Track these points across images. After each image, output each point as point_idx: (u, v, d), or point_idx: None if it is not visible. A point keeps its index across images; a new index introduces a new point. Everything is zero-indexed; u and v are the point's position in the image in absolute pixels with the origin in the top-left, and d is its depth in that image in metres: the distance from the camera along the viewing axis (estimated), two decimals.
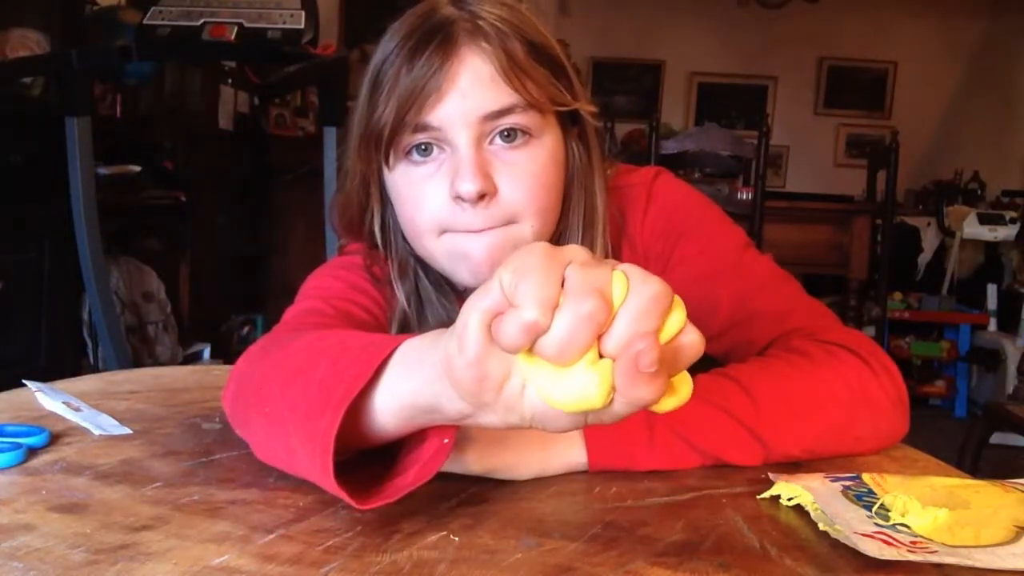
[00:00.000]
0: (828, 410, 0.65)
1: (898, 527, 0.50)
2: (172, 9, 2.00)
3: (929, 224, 4.63)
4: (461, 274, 0.74)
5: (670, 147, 2.74)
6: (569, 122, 0.76)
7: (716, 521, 0.52)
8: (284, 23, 1.96)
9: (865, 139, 5.85)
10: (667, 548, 0.48)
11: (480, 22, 0.69)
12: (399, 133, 0.69)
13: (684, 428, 0.61)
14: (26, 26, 2.46)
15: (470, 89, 0.68)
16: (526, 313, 0.36)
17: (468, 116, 0.68)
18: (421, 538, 0.48)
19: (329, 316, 0.74)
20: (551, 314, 0.36)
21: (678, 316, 0.38)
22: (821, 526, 0.51)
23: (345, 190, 0.79)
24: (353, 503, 0.46)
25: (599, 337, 0.37)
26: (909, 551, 0.46)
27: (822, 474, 0.59)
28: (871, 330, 3.33)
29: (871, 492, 0.55)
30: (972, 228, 4.24)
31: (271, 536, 0.48)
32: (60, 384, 0.82)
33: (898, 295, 4.31)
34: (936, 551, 0.46)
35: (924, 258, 4.64)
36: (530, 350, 0.37)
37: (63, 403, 0.73)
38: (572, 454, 0.60)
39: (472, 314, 0.38)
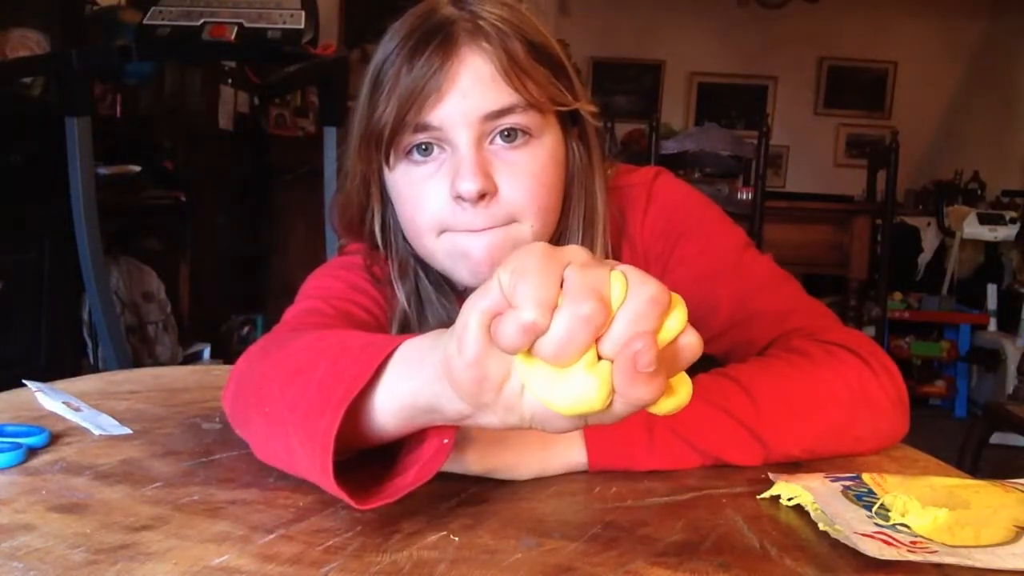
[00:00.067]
0: (828, 410, 0.65)
1: (898, 527, 0.50)
2: (172, 9, 2.00)
3: (929, 224, 4.63)
4: (461, 274, 0.74)
5: (670, 147, 2.74)
6: (569, 122, 0.76)
7: (716, 521, 0.52)
8: (284, 23, 1.96)
9: (865, 139, 5.85)
10: (667, 548, 0.48)
11: (480, 22, 0.69)
12: (399, 133, 0.69)
13: (684, 428, 0.61)
14: (26, 26, 2.46)
15: (470, 89, 0.68)
16: (525, 314, 0.36)
17: (468, 116, 0.68)
18: (421, 538, 0.48)
19: (329, 316, 0.74)
20: (550, 315, 0.36)
21: (679, 318, 0.38)
22: (821, 526, 0.51)
23: (345, 190, 0.79)
24: (353, 503, 0.46)
25: (597, 340, 0.37)
26: (909, 551, 0.46)
27: (822, 474, 0.59)
28: (871, 330, 3.33)
29: (871, 492, 0.55)
30: (972, 228, 4.24)
31: (271, 536, 0.48)
32: (60, 384, 0.82)
33: (898, 295, 4.31)
34: (936, 551, 0.46)
35: (924, 258, 4.64)
36: (529, 351, 0.37)
37: (63, 403, 0.73)
38: (572, 454, 0.60)
39: (471, 314, 0.38)
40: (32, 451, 0.61)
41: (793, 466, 0.63)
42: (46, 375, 0.85)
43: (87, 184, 2.04)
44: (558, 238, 0.77)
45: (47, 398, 0.74)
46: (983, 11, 5.69)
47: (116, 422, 0.70)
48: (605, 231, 0.78)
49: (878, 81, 5.88)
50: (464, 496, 0.55)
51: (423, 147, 0.70)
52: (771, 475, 0.59)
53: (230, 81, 3.49)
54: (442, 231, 0.71)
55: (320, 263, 0.85)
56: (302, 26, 1.96)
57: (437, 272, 0.78)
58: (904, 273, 4.47)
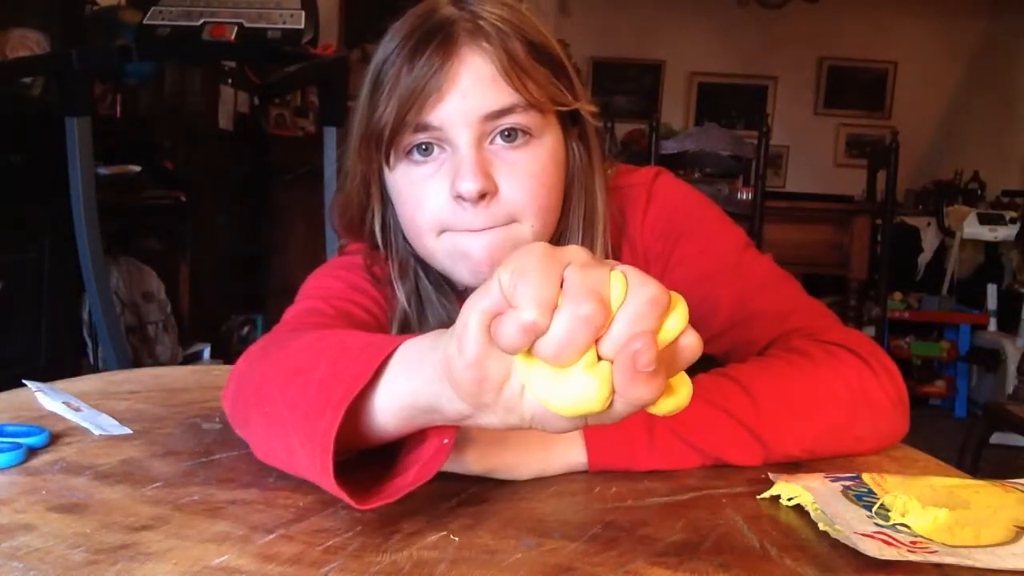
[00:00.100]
0: (828, 410, 0.65)
1: (898, 527, 0.50)
2: (172, 9, 2.00)
3: (929, 224, 4.63)
4: (461, 274, 0.74)
5: (670, 147, 2.74)
6: (569, 122, 0.76)
7: (716, 521, 0.52)
8: (284, 23, 1.96)
9: (865, 139, 5.85)
10: (667, 548, 0.48)
11: (481, 22, 0.69)
12: (400, 133, 0.69)
13: (684, 428, 0.61)
14: (26, 26, 2.46)
15: (471, 89, 0.68)
16: (525, 314, 0.36)
17: (469, 116, 0.68)
18: (421, 538, 0.48)
19: (329, 316, 0.74)
20: (550, 315, 0.36)
21: (679, 318, 0.38)
22: (821, 526, 0.51)
23: (345, 190, 0.79)
24: (353, 503, 0.46)
25: (597, 340, 0.37)
26: (909, 551, 0.46)
27: (822, 474, 0.59)
28: (871, 330, 3.33)
29: (871, 492, 0.55)
30: (972, 228, 4.24)
31: (271, 536, 0.48)
32: (60, 384, 0.82)
33: (898, 295, 4.31)
34: (936, 551, 0.46)
35: (924, 258, 4.64)
36: (529, 352, 0.37)
37: (63, 403, 0.73)
38: (572, 454, 0.60)
39: (472, 314, 0.38)
40: (32, 451, 0.61)
41: (793, 466, 0.63)
42: (46, 375, 0.85)
43: (87, 184, 2.04)
44: (558, 238, 0.77)
45: (47, 398, 0.74)
46: (983, 11, 5.69)
47: (116, 422, 0.70)
48: (605, 231, 0.78)
49: (878, 81, 5.88)
50: (464, 496, 0.55)
51: (423, 147, 0.70)
52: (771, 475, 0.59)
53: (230, 81, 3.49)
54: (442, 231, 0.71)
55: (320, 263, 0.85)
56: (302, 26, 1.96)
57: (437, 272, 0.78)
58: (904, 273, 4.47)
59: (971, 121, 5.63)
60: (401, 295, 0.79)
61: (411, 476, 0.48)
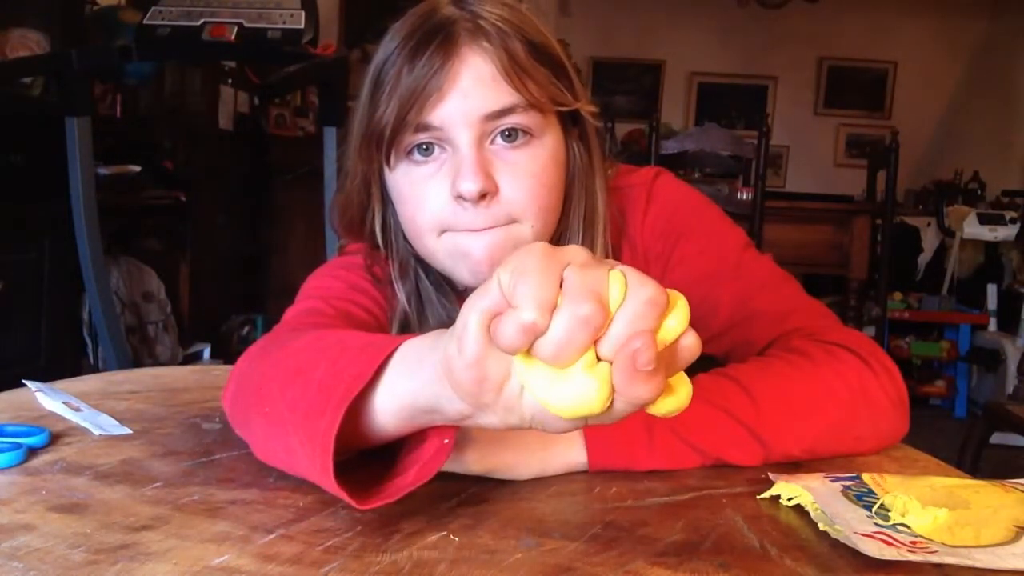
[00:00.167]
0: (828, 410, 0.65)
1: (898, 527, 0.50)
2: (172, 9, 2.00)
3: (929, 224, 4.63)
4: (461, 273, 0.74)
5: (670, 147, 2.74)
6: (570, 122, 0.76)
7: (716, 521, 0.52)
8: (284, 23, 1.96)
9: (865, 139, 5.85)
10: (667, 548, 0.48)
11: (481, 22, 0.69)
12: (400, 133, 0.69)
13: (684, 428, 0.61)
14: (26, 26, 2.46)
15: (471, 89, 0.68)
16: (524, 314, 0.36)
17: (469, 116, 0.68)
18: (421, 538, 0.48)
19: (329, 316, 0.74)
20: (549, 315, 0.36)
21: (680, 318, 0.38)
22: (821, 526, 0.51)
23: (345, 190, 0.79)
24: (353, 503, 0.46)
25: (596, 341, 0.37)
26: (909, 551, 0.46)
27: (822, 474, 0.59)
28: (871, 330, 3.33)
29: (871, 492, 0.55)
30: (972, 228, 4.23)
31: (271, 536, 0.48)
32: (60, 384, 0.82)
33: (898, 295, 4.31)
34: (936, 551, 0.46)
35: (924, 258, 4.63)
36: (528, 352, 0.37)
37: (63, 403, 0.73)
38: (572, 454, 0.60)
39: (471, 315, 0.38)
40: (32, 451, 0.61)
41: (793, 466, 0.63)
42: (46, 375, 0.85)
43: (87, 184, 2.04)
44: (558, 238, 0.77)
45: (47, 398, 0.74)
46: (983, 11, 5.69)
47: (116, 422, 0.70)
48: (605, 231, 0.78)
49: (878, 81, 5.88)
50: (464, 496, 0.55)
51: (424, 147, 0.70)
52: (771, 475, 0.59)
53: (230, 81, 3.49)
54: (443, 231, 0.71)
55: (320, 263, 0.85)
56: (302, 26, 1.96)
57: (437, 272, 0.78)
58: (904, 273, 4.47)
59: (971, 121, 5.63)
60: (401, 295, 0.79)
61: (411, 476, 0.48)
